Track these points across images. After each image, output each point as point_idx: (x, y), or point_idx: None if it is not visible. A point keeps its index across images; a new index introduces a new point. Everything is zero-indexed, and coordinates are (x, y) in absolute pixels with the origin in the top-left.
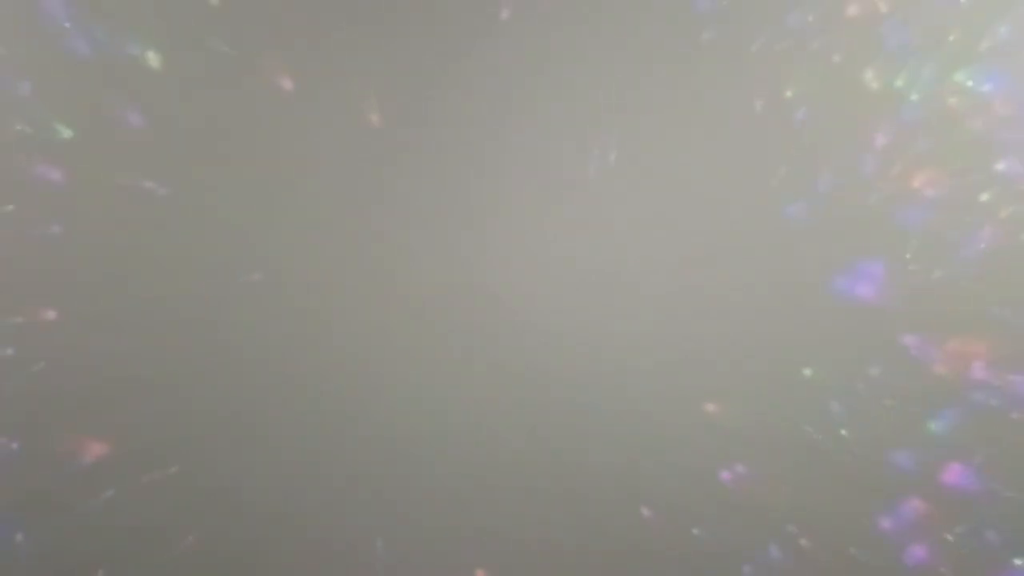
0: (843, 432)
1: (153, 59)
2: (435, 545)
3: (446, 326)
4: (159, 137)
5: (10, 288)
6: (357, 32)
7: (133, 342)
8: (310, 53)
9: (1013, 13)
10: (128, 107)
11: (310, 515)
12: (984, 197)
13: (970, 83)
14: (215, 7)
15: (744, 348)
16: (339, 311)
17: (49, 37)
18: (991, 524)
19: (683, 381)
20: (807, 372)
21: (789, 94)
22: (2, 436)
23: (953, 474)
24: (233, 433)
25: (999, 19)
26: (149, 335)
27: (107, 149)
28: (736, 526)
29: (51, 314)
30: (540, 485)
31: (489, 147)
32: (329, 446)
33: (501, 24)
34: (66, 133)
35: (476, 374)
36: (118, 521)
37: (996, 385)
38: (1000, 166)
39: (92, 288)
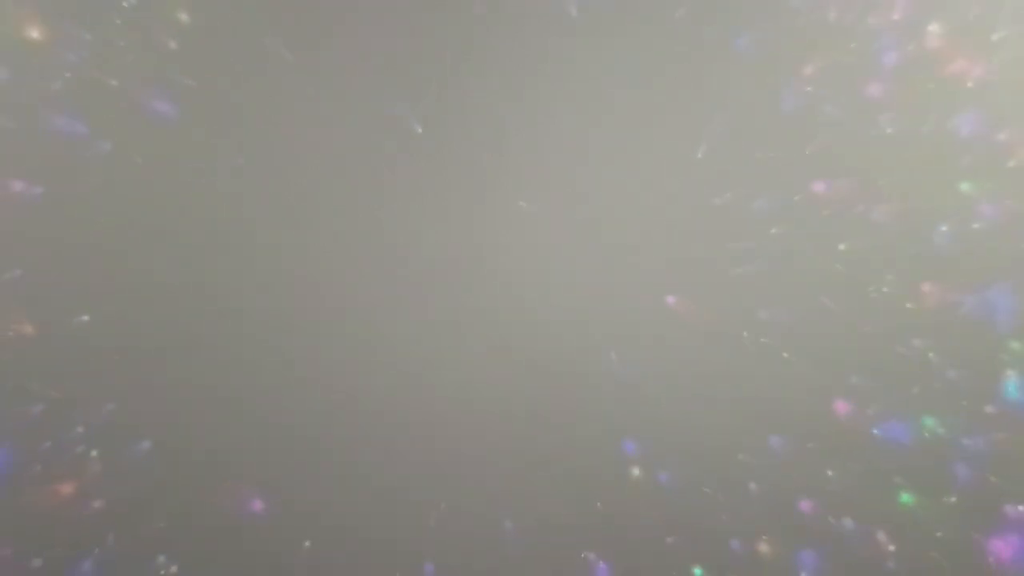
0: None
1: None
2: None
3: (448, 309)
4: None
5: None
6: (367, 27)
7: (152, 324)
8: (322, 51)
9: None
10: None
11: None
12: None
13: None
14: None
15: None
16: (342, 296)
17: None
18: None
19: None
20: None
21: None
22: None
23: None
24: (232, 415)
25: None
26: (163, 318)
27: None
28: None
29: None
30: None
31: (492, 139)
32: (333, 428)
33: (505, 23)
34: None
35: (477, 356)
36: None
37: None
38: None
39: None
